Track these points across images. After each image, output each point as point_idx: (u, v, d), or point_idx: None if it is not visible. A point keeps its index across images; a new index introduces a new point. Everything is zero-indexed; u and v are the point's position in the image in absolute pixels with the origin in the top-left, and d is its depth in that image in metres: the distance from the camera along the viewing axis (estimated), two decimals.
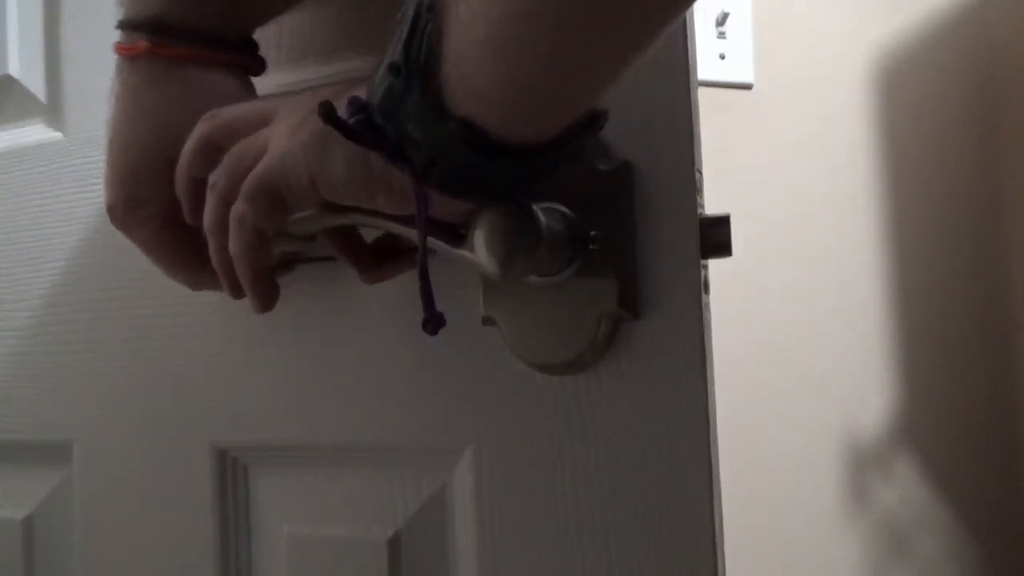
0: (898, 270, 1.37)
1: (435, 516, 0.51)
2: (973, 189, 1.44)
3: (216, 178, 0.43)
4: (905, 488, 1.37)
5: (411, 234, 0.41)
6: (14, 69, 0.66)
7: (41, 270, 0.64)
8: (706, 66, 1.24)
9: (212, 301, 0.57)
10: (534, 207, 0.39)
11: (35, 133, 0.65)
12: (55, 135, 0.64)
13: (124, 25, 0.47)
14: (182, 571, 0.58)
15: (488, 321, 0.47)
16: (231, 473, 0.57)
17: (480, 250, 0.38)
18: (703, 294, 0.44)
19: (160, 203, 0.47)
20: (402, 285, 0.51)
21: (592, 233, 0.44)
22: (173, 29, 0.46)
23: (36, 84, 0.66)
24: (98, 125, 0.62)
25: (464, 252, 0.39)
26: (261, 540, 0.57)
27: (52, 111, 0.65)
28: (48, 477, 0.64)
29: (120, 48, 0.47)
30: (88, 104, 0.63)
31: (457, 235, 0.39)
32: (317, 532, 0.54)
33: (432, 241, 0.40)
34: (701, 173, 0.45)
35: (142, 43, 0.46)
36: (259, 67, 0.50)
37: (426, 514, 0.51)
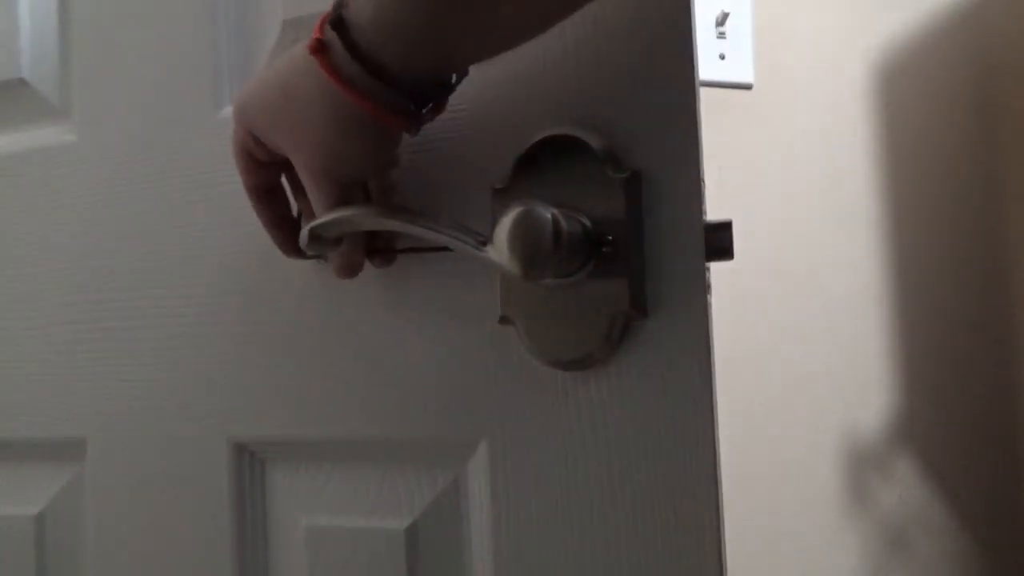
0: (898, 270, 1.38)
1: (450, 507, 0.53)
2: (972, 188, 1.44)
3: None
4: (905, 488, 1.37)
5: (436, 237, 0.43)
6: (27, 72, 0.67)
7: (55, 270, 0.64)
8: (706, 66, 1.25)
9: (229, 298, 0.58)
10: (555, 212, 0.41)
11: (48, 136, 0.66)
12: (68, 138, 0.65)
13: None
14: (198, 565, 0.59)
15: (505, 320, 0.49)
16: (249, 467, 0.58)
17: (503, 252, 0.40)
18: (707, 295, 0.46)
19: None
20: (419, 282, 0.52)
21: (605, 237, 0.46)
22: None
23: (49, 87, 0.66)
24: (110, 128, 0.63)
25: (488, 254, 0.41)
26: (278, 533, 0.58)
27: (64, 114, 0.66)
28: (61, 473, 0.65)
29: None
30: (100, 108, 0.63)
31: (481, 237, 0.41)
32: (334, 524, 0.55)
33: (457, 241, 0.42)
34: (704, 181, 0.47)
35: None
36: None
37: (441, 505, 0.53)
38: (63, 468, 0.65)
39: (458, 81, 0.46)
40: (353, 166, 0.45)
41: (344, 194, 0.46)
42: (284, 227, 0.52)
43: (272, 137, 0.46)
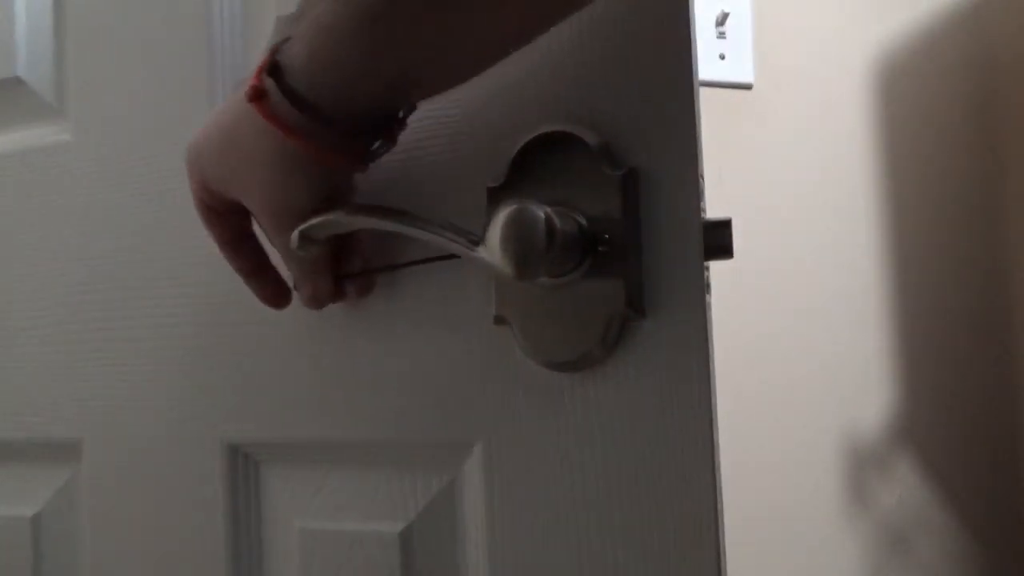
0: (898, 270, 1.38)
1: (445, 510, 0.52)
2: (973, 188, 1.44)
3: None
4: (905, 488, 1.37)
5: (428, 237, 0.43)
6: (22, 71, 0.67)
7: (51, 271, 0.64)
8: (706, 66, 1.24)
9: (222, 300, 0.58)
10: (548, 211, 0.41)
11: (43, 135, 0.66)
12: (63, 137, 0.65)
13: None
14: (193, 567, 0.58)
15: (500, 320, 0.48)
16: (243, 469, 0.58)
17: (496, 252, 0.39)
18: (706, 294, 0.46)
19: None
20: (413, 285, 0.52)
21: (601, 236, 0.45)
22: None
23: (44, 86, 0.66)
24: (105, 127, 0.63)
25: (480, 254, 0.40)
26: (272, 535, 0.57)
27: (60, 113, 0.66)
28: (57, 475, 0.65)
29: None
30: (96, 107, 0.63)
31: (473, 237, 0.41)
32: (328, 527, 0.55)
33: (449, 241, 0.41)
34: (703, 179, 0.46)
35: None
36: None
37: (436, 508, 0.52)
38: (60, 469, 0.64)
39: (406, 115, 0.47)
40: (303, 204, 0.46)
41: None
42: (262, 276, 0.52)
43: (223, 185, 0.47)
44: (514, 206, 0.40)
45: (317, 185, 0.45)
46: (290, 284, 0.53)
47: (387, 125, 0.46)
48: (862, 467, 1.34)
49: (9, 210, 0.66)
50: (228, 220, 0.50)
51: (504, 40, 0.43)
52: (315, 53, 0.41)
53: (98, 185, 0.63)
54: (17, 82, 0.67)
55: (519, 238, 0.39)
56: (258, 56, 0.44)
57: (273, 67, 0.42)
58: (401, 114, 0.47)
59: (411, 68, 0.41)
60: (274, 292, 0.53)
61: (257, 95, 0.42)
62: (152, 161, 0.61)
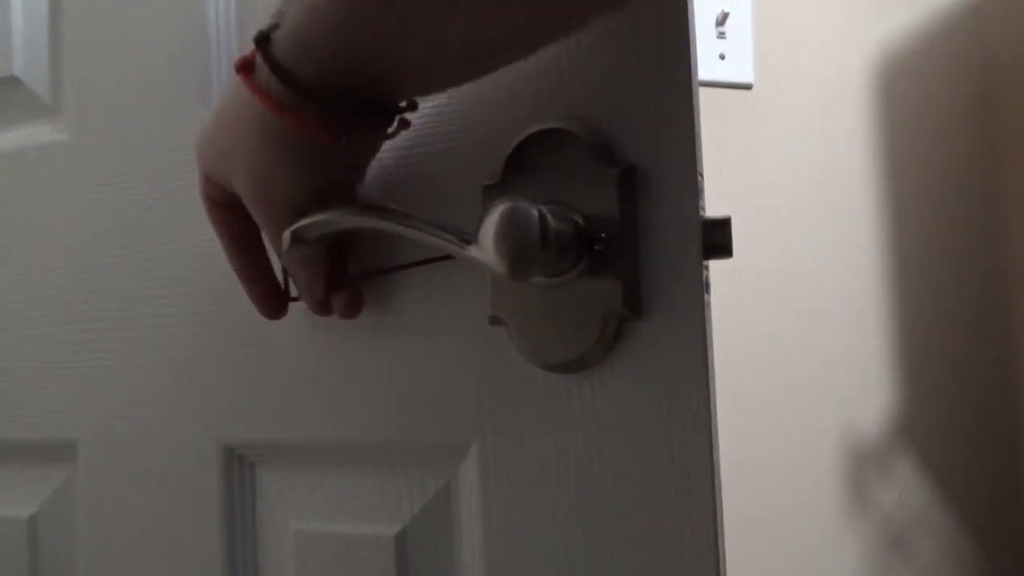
0: (898, 270, 1.38)
1: (440, 513, 0.52)
2: (973, 188, 1.44)
3: None
4: (905, 488, 1.37)
5: (420, 236, 0.42)
6: (19, 70, 0.66)
7: (47, 271, 0.64)
8: (706, 66, 1.24)
9: (218, 300, 0.57)
10: (542, 209, 0.40)
11: (40, 134, 0.66)
12: (60, 136, 0.64)
13: None
14: (188, 568, 0.58)
15: (495, 321, 0.48)
16: (238, 471, 0.58)
17: (489, 250, 0.39)
18: (705, 294, 0.45)
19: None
20: (408, 285, 0.52)
21: (598, 235, 0.44)
22: None
23: (41, 85, 0.66)
24: (102, 126, 0.62)
25: (473, 252, 0.40)
26: (268, 537, 0.57)
27: (56, 112, 0.65)
28: (53, 476, 0.64)
29: None
30: (92, 105, 0.63)
31: (466, 236, 0.40)
32: (323, 529, 0.55)
33: (441, 240, 0.41)
34: (702, 176, 0.45)
35: None
36: None
37: (431, 511, 0.52)
38: (56, 470, 0.64)
39: (406, 109, 0.46)
40: (292, 194, 0.45)
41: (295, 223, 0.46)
42: (261, 282, 0.52)
43: (217, 169, 0.47)
44: (507, 204, 0.39)
45: (307, 173, 0.45)
46: (293, 294, 0.52)
47: (384, 115, 0.46)
48: (862, 467, 1.34)
49: (5, 209, 0.66)
50: (230, 215, 0.49)
51: (498, 44, 0.42)
52: (298, 26, 0.41)
53: (95, 184, 0.62)
54: (14, 81, 0.66)
55: (512, 236, 0.39)
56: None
57: (261, 38, 0.42)
58: (403, 105, 0.46)
59: (392, 55, 0.41)
60: (268, 301, 0.52)
61: (244, 66, 0.43)
62: (149, 160, 0.60)
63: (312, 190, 0.45)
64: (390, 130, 0.47)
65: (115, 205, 0.62)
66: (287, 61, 0.41)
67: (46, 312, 0.64)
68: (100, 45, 0.63)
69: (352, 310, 0.52)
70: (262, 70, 0.42)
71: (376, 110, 0.46)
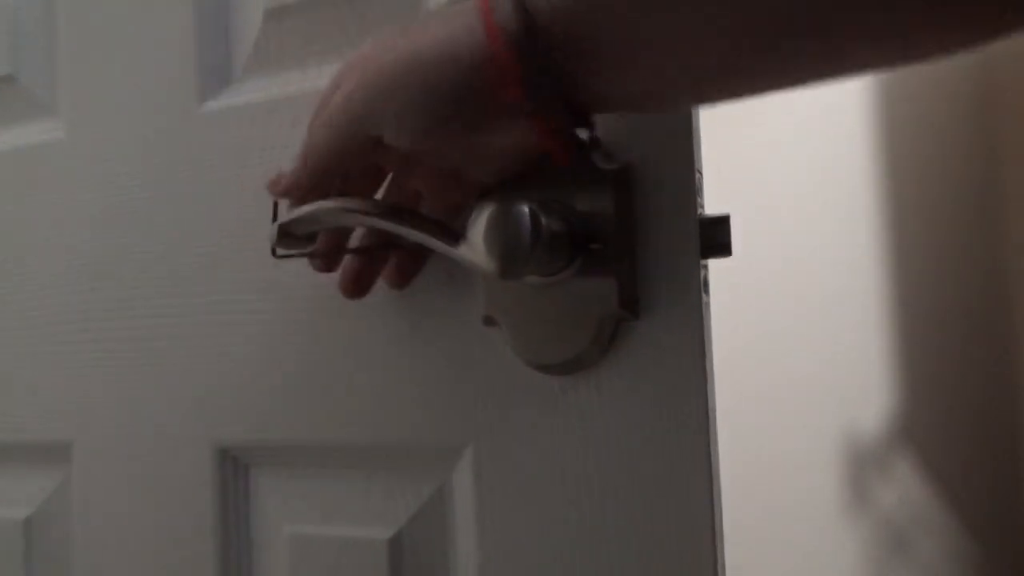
0: (898, 270, 1.38)
1: (435, 516, 0.51)
2: (973, 188, 1.44)
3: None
4: (905, 488, 1.37)
5: (410, 234, 0.42)
6: (15, 69, 0.66)
7: (43, 271, 0.64)
8: None
9: (214, 301, 0.57)
10: (533, 206, 0.39)
11: (36, 133, 0.65)
12: (56, 135, 0.64)
13: None
14: (182, 571, 0.58)
15: (489, 321, 0.47)
16: (232, 473, 0.57)
17: (479, 249, 0.38)
18: (703, 294, 0.45)
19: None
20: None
21: (594, 233, 0.44)
22: None
23: (37, 84, 0.66)
24: (98, 124, 0.62)
25: (463, 251, 0.39)
26: (262, 540, 0.57)
27: (52, 111, 0.65)
28: (49, 477, 0.64)
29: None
30: (88, 104, 0.63)
31: (455, 234, 0.40)
32: (318, 532, 0.54)
33: (431, 240, 0.40)
34: (701, 173, 0.45)
35: None
36: None
37: (426, 514, 0.51)
38: (52, 471, 0.64)
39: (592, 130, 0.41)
40: (480, 166, 0.42)
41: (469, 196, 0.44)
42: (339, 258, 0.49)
43: (395, 124, 0.40)
44: (497, 202, 0.39)
45: (510, 150, 0.41)
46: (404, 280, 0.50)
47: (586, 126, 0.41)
48: (862, 467, 1.34)
49: (2, 208, 0.66)
50: (358, 158, 0.43)
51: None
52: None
53: (91, 183, 0.62)
54: (10, 80, 0.66)
55: (502, 234, 0.38)
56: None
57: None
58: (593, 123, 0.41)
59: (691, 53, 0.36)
60: (352, 278, 0.50)
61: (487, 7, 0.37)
62: (145, 159, 0.60)
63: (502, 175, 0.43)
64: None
65: (112, 204, 0.61)
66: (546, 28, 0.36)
67: (40, 312, 0.64)
68: (97, 44, 0.63)
69: (404, 277, 0.50)
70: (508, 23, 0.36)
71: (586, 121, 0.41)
